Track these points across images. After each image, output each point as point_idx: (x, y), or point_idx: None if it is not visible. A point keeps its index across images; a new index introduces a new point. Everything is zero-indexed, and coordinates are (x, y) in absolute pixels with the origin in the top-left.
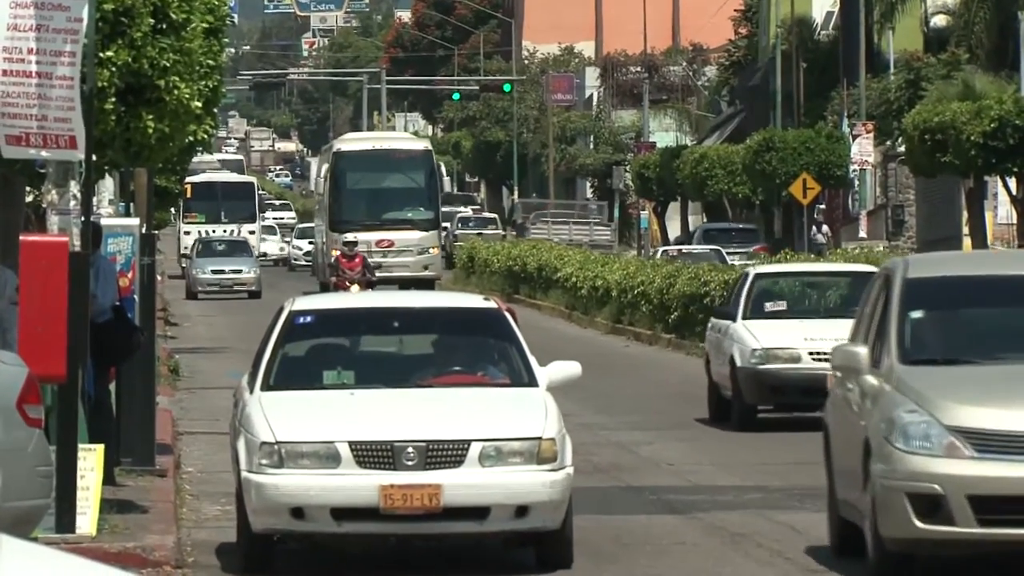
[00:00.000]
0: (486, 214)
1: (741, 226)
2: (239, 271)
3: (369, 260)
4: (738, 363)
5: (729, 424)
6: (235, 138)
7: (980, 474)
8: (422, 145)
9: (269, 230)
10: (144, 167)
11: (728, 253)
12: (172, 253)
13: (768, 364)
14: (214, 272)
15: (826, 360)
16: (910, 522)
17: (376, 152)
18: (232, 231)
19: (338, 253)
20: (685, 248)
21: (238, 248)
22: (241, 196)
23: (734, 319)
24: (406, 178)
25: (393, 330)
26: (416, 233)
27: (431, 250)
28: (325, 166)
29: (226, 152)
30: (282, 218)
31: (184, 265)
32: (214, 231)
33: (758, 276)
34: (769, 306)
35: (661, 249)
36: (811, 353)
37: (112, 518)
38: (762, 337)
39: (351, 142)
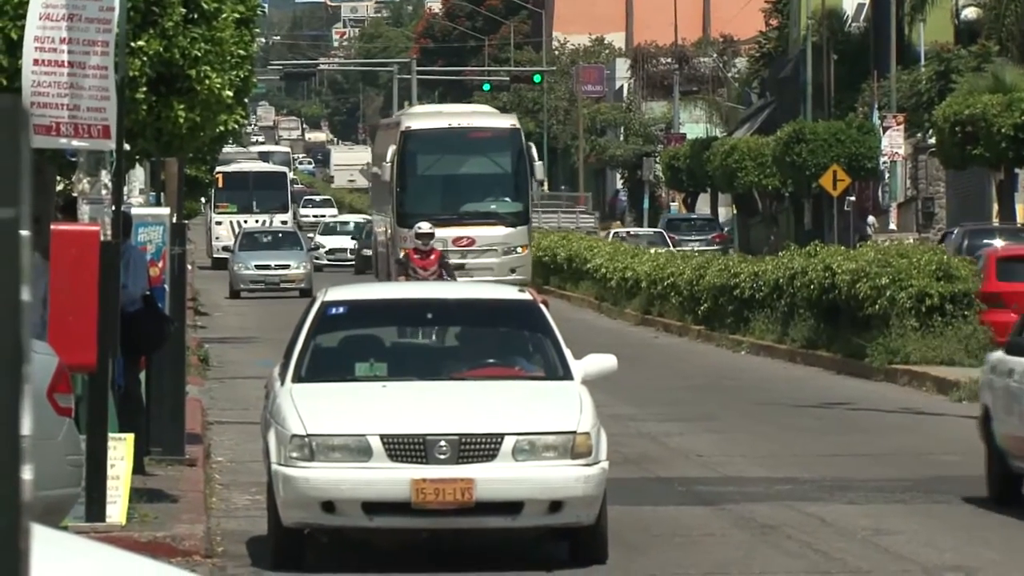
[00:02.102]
0: None
1: (702, 216)
2: (286, 266)
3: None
4: None
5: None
6: (261, 127)
7: None
8: (508, 122)
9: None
10: (175, 156)
11: (689, 240)
12: (202, 243)
13: None
14: (258, 268)
15: None
16: None
17: (453, 131)
18: (264, 221)
19: (410, 248)
20: (633, 230)
21: (286, 240)
22: (273, 186)
23: None
24: (490, 162)
25: (427, 322)
26: (501, 229)
27: (519, 249)
28: (391, 147)
29: (256, 141)
30: (323, 215)
31: (224, 257)
32: (246, 221)
33: None
34: None
35: (613, 231)
36: None
37: (142, 507)
38: None
39: (422, 118)
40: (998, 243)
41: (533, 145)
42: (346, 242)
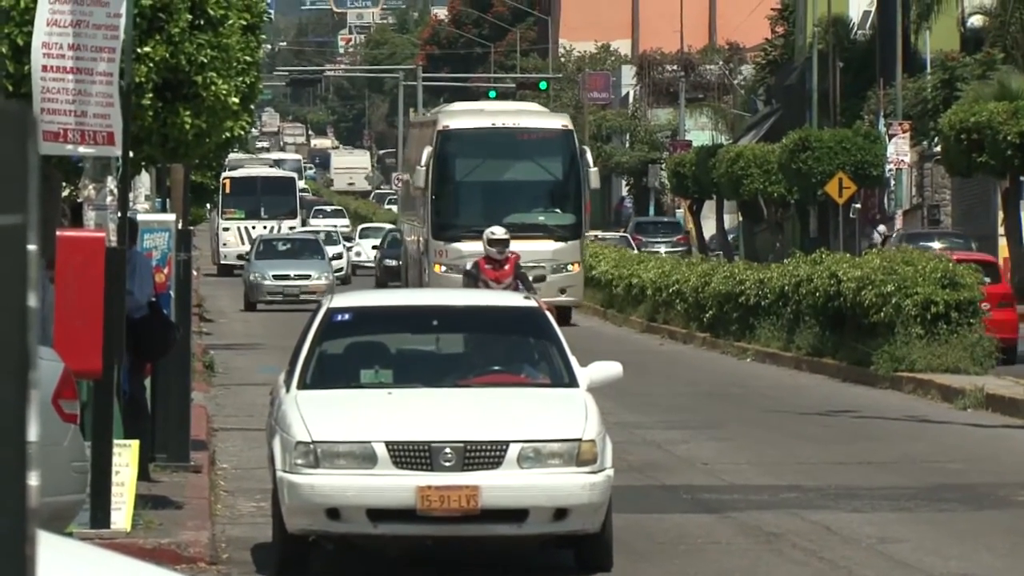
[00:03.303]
0: None
1: (667, 219)
2: (307, 276)
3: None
4: None
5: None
6: (265, 132)
7: None
8: (560, 122)
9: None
10: (181, 163)
11: (655, 242)
12: (208, 250)
13: None
14: (276, 278)
15: None
16: None
17: (497, 131)
18: (272, 227)
19: (480, 258)
20: (600, 234)
21: (306, 248)
22: (281, 191)
23: None
24: (538, 167)
25: (432, 328)
26: (550, 244)
27: (570, 267)
28: (427, 149)
29: (261, 148)
30: (335, 226)
31: (230, 264)
32: (253, 227)
33: None
34: None
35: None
36: None
37: (147, 514)
38: None
39: (462, 116)
40: (936, 246)
41: (587, 149)
42: None
